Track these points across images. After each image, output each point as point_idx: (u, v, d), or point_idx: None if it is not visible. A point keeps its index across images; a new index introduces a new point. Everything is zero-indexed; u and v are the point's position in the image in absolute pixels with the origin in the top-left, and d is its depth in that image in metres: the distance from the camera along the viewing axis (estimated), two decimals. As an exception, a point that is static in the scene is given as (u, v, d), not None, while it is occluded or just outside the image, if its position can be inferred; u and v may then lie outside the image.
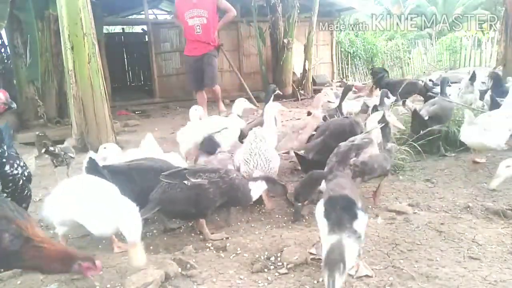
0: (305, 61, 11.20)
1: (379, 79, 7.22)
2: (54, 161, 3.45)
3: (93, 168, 2.34)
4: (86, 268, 1.67)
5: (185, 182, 2.27)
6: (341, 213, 1.69)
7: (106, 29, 14.52)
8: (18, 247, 1.61)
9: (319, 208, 1.80)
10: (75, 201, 1.99)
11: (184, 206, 2.26)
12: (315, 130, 3.67)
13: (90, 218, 1.94)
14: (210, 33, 6.52)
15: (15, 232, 1.62)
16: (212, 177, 2.32)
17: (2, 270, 1.93)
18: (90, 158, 2.37)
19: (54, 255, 1.65)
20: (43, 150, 3.38)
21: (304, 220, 2.60)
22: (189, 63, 6.73)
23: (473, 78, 5.63)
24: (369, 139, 2.64)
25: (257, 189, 2.49)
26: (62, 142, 5.57)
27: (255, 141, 2.85)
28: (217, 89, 6.86)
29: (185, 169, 2.39)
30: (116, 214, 1.86)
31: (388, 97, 4.96)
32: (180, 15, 6.50)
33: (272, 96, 4.24)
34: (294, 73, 11.19)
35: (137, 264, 1.76)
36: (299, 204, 2.51)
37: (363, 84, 9.93)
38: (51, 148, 3.37)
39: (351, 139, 2.69)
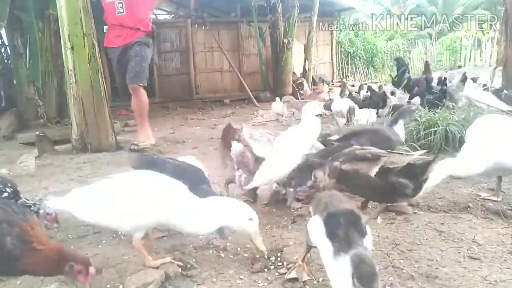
0: (305, 61, 11.22)
1: (402, 72, 7.08)
2: None
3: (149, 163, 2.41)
4: (77, 272, 1.53)
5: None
6: (348, 230, 1.42)
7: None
8: (20, 252, 1.52)
9: (317, 226, 1.55)
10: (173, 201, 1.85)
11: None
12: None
13: (195, 219, 1.85)
14: (139, 14, 4.81)
15: (18, 236, 1.53)
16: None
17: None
18: (145, 154, 2.44)
19: (49, 255, 1.55)
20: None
21: (303, 220, 2.60)
22: (113, 57, 4.98)
23: (464, 79, 6.19)
24: (370, 153, 2.37)
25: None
26: (62, 142, 5.61)
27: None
28: (140, 93, 4.76)
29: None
30: (227, 211, 1.88)
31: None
32: None
33: None
34: (294, 73, 11.20)
35: (264, 249, 1.93)
36: (291, 189, 2.52)
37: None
38: None
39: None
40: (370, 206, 2.75)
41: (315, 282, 1.81)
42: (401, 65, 7.53)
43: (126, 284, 1.78)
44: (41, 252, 1.54)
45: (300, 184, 2.50)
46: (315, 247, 1.64)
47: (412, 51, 17.76)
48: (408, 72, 7.33)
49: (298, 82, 10.06)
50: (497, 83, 7.83)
